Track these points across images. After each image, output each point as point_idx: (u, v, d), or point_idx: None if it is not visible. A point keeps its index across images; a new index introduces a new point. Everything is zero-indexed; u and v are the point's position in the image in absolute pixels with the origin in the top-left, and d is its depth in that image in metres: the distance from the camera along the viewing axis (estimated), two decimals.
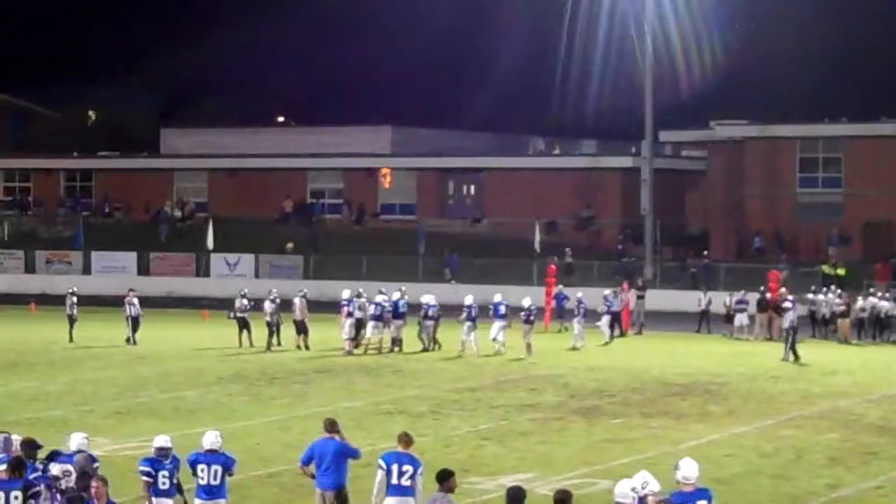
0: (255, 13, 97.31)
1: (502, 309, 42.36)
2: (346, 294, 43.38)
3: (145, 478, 17.51)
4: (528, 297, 43.99)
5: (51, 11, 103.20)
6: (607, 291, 48.58)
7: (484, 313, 42.71)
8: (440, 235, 69.75)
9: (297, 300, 44.06)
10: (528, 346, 41.69)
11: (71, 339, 44.90)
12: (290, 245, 69.29)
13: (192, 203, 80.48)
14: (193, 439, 20.52)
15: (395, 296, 43.68)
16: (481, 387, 35.11)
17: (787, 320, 42.18)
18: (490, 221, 75.37)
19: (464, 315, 42.01)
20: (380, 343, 42.60)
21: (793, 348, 41.45)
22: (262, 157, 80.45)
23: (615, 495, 14.39)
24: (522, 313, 42.08)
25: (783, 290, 49.02)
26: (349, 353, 42.02)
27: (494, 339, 42.08)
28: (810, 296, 49.77)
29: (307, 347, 43.13)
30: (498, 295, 43.47)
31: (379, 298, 43.04)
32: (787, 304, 43.99)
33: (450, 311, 44.95)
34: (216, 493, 17.80)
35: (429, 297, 43.66)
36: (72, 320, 45.60)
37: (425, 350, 42.85)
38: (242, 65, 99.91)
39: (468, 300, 42.37)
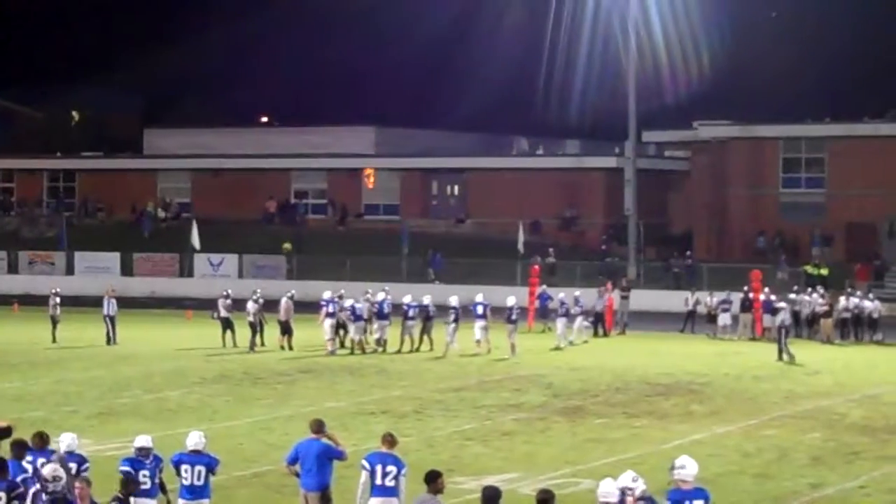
0: (240, 13, 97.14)
1: (481, 309, 42.50)
2: (326, 295, 43.35)
3: (126, 477, 17.49)
4: (513, 296, 43.99)
5: (33, 11, 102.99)
6: (577, 293, 48.42)
7: (466, 314, 42.76)
8: (424, 236, 69.76)
9: (283, 300, 43.99)
10: (513, 347, 41.71)
11: (54, 340, 44.82)
12: (286, 245, 68.83)
13: (176, 203, 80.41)
14: (178, 439, 20.50)
15: (380, 296, 43.71)
16: (465, 387, 35.13)
17: (780, 320, 42.28)
18: (474, 222, 75.38)
19: (451, 317, 42.03)
20: (362, 343, 42.57)
21: (782, 348, 41.52)
22: (246, 157, 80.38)
23: (598, 495, 14.38)
24: (506, 312, 42.09)
25: (766, 289, 49.17)
26: (332, 353, 42.01)
27: (478, 341, 42.13)
28: (793, 296, 49.82)
29: (291, 348, 43.10)
30: (479, 295, 43.59)
31: (348, 303, 42.94)
32: (781, 304, 44.10)
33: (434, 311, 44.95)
34: (200, 494, 17.79)
35: (409, 297, 43.85)
36: (55, 321, 45.51)
37: (411, 351, 42.86)
38: (226, 65, 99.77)
39: (453, 301, 42.36)
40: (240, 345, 43.27)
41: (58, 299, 46.11)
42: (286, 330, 43.40)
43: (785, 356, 41.34)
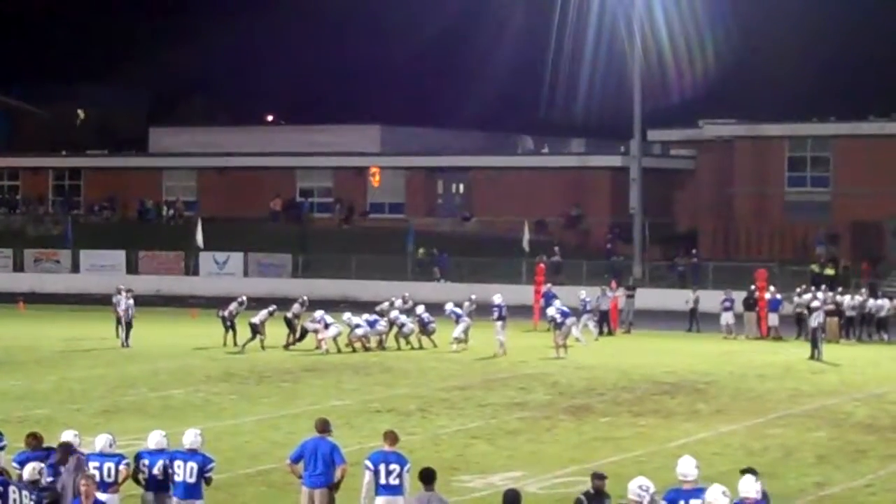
0: (245, 12, 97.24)
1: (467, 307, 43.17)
2: (497, 299, 43.08)
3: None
4: (499, 294, 43.89)
5: (38, 10, 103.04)
6: (583, 292, 48.59)
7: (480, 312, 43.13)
8: (429, 234, 69.73)
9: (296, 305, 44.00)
10: (500, 344, 41.63)
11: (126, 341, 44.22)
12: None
13: (181, 202, 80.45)
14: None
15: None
16: (470, 385, 35.13)
17: (815, 320, 42.19)
18: (479, 220, 75.38)
19: (494, 314, 42.05)
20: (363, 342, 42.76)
21: (815, 346, 41.49)
22: (251, 155, 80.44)
23: (630, 491, 14.55)
24: (493, 310, 42.13)
25: (772, 288, 49.11)
26: (325, 351, 41.84)
27: (457, 339, 42.32)
28: (807, 296, 49.61)
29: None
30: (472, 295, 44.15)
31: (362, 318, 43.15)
32: (816, 304, 43.93)
33: (438, 309, 44.97)
34: (193, 492, 17.72)
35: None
36: (124, 321, 44.33)
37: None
38: (232, 63, 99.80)
39: (497, 299, 42.40)
40: (240, 345, 43.12)
41: (131, 301, 43.99)
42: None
43: (820, 355, 41.26)
